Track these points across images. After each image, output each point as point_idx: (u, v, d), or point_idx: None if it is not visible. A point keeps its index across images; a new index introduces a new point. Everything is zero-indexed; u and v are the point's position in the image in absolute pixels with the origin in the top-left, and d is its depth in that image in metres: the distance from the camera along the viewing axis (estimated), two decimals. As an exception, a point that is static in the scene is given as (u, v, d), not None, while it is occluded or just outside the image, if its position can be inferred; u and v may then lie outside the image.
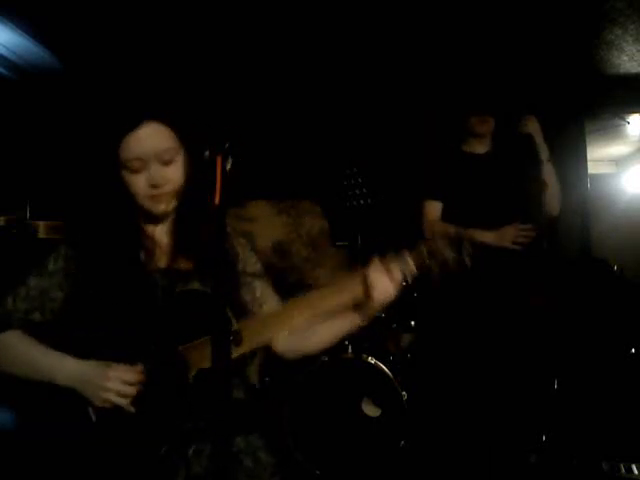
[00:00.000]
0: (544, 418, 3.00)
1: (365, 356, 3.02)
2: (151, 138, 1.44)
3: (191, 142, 1.53)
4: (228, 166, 1.30)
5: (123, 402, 1.31)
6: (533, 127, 2.95)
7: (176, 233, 1.55)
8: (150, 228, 1.55)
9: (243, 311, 1.54)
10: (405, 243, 1.55)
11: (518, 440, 2.88)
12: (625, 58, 4.19)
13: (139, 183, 1.45)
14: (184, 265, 1.51)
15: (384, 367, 3.00)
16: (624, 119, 5.39)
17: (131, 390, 1.32)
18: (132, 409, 1.32)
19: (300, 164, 4.21)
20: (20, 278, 1.46)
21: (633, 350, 3.54)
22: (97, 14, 3.32)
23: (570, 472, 2.90)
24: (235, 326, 1.38)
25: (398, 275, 1.47)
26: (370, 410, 3.00)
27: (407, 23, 3.61)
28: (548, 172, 2.95)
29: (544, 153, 2.94)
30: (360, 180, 3.56)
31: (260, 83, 3.77)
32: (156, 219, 1.54)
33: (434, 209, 3.04)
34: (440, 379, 3.03)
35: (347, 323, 1.54)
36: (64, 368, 1.35)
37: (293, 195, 3.69)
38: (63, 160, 4.25)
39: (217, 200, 1.17)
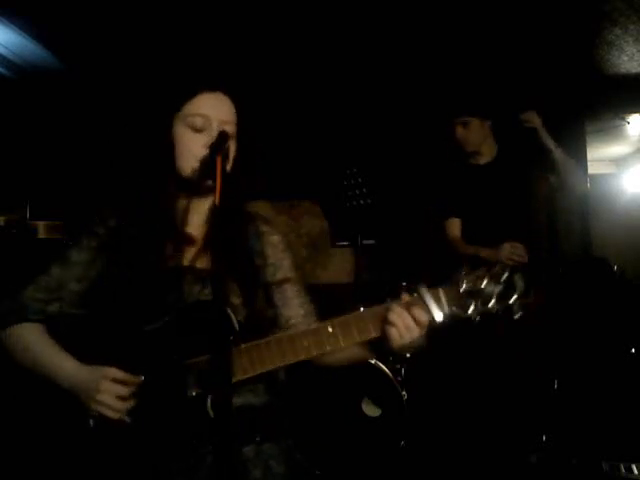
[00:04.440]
0: (544, 418, 3.00)
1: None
2: (220, 104, 1.42)
3: (243, 131, 1.46)
4: (228, 166, 1.30)
5: (114, 415, 1.26)
6: (535, 120, 2.94)
7: (212, 227, 1.42)
8: (186, 216, 1.44)
9: (276, 319, 1.45)
10: (439, 277, 1.31)
11: (518, 440, 2.88)
12: (625, 58, 4.19)
13: (197, 142, 1.36)
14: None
15: (384, 367, 3.00)
16: (624, 119, 5.40)
17: (122, 405, 1.26)
18: (125, 421, 1.26)
19: (300, 164, 4.21)
20: (43, 266, 1.40)
21: (633, 350, 3.54)
22: (96, 14, 3.32)
23: (570, 472, 2.90)
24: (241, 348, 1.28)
25: (424, 318, 1.26)
26: (370, 410, 3.00)
27: (410, 25, 3.61)
28: (560, 158, 2.91)
29: (550, 142, 2.92)
30: (360, 180, 3.56)
31: (261, 83, 3.77)
32: (198, 197, 1.42)
33: (455, 227, 3.03)
34: (440, 379, 3.03)
35: (360, 355, 1.41)
36: (64, 371, 1.31)
37: (293, 195, 3.69)
38: (63, 160, 4.25)
39: (217, 200, 1.15)
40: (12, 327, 1.37)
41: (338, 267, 4.08)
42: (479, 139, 2.98)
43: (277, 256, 1.49)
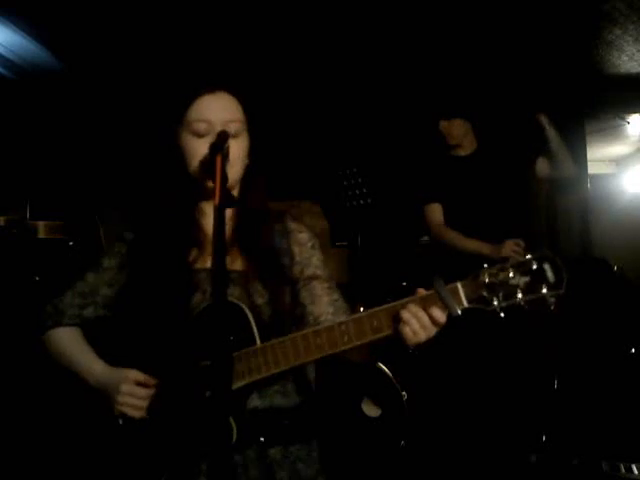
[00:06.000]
0: (544, 418, 3.00)
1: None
2: (222, 105, 1.41)
3: (255, 129, 1.46)
4: (227, 165, 1.29)
5: (134, 415, 1.32)
6: (543, 120, 2.96)
7: (234, 227, 1.44)
8: (205, 220, 1.46)
9: (305, 317, 1.44)
10: (458, 271, 1.23)
11: (518, 440, 2.88)
12: (625, 58, 4.19)
13: (201, 147, 1.35)
14: (239, 265, 1.41)
15: (384, 367, 3.00)
16: (624, 119, 5.40)
17: (141, 404, 1.32)
18: (147, 420, 1.32)
19: (300, 164, 4.21)
20: (80, 273, 1.49)
21: (633, 350, 3.53)
22: (96, 14, 3.32)
23: (570, 472, 2.90)
24: (255, 347, 1.29)
25: (441, 316, 1.19)
26: (370, 410, 3.00)
27: (410, 27, 3.61)
28: (557, 145, 2.95)
29: (551, 132, 2.94)
30: (360, 180, 3.56)
31: (261, 83, 3.77)
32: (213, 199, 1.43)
33: (436, 212, 3.10)
34: (440, 379, 3.03)
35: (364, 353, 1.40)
36: (92, 373, 1.39)
37: (293, 195, 3.68)
38: (63, 160, 4.25)
39: (217, 201, 1.14)
40: (49, 332, 1.47)
41: (335, 267, 4.08)
42: (461, 134, 3.10)
43: (304, 254, 1.48)
